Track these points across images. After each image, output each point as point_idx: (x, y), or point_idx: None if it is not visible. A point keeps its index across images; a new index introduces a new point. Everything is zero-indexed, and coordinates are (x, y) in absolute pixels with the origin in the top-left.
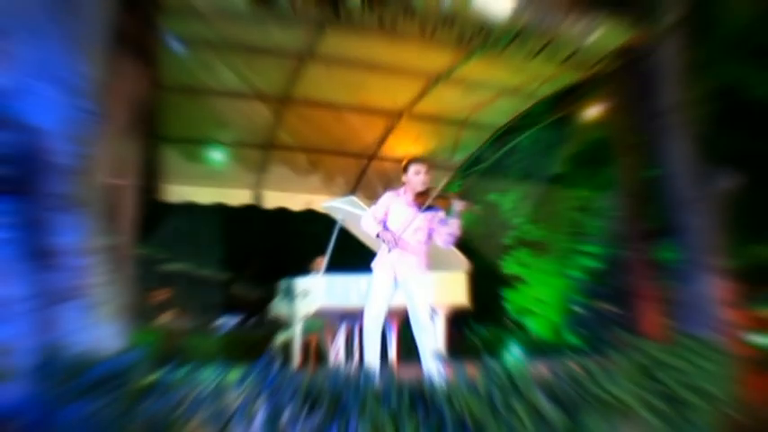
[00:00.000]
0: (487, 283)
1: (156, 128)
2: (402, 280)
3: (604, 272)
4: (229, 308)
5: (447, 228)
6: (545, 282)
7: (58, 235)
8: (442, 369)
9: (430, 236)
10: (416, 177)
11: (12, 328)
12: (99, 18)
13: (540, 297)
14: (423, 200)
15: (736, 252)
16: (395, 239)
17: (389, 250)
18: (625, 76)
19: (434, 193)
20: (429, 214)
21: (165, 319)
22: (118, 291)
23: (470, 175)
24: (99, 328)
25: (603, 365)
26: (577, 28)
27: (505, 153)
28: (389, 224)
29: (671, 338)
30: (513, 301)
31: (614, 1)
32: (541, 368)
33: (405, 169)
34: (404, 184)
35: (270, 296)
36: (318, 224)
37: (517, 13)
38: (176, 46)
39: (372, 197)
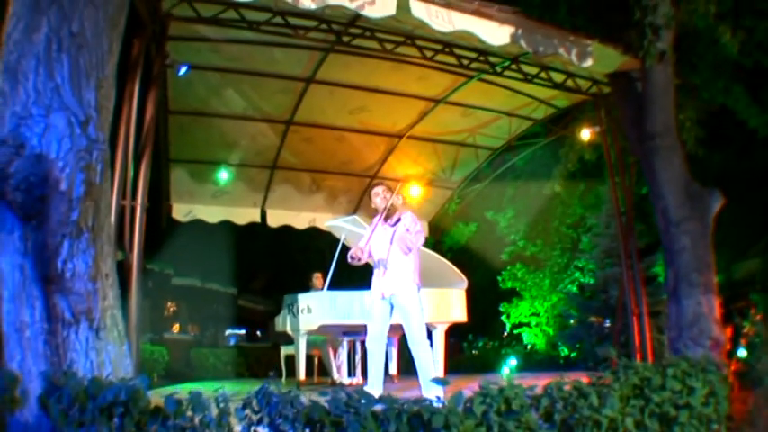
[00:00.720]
0: (486, 296)
1: (166, 150)
2: (391, 295)
3: (597, 287)
4: (237, 320)
5: (406, 224)
6: (540, 296)
7: (67, 260)
8: (439, 384)
9: (407, 246)
10: (377, 198)
11: (24, 351)
12: (107, 47)
13: (535, 310)
14: (388, 215)
15: (719, 268)
16: (362, 252)
17: (375, 262)
18: (617, 100)
19: (388, 205)
20: (398, 227)
21: (175, 329)
22: (125, 312)
23: (469, 193)
24: (108, 351)
25: (597, 386)
26: (571, 55)
27: (502, 172)
28: (373, 247)
29: (662, 356)
30: (509, 314)
31: (606, 30)
32: (538, 388)
33: (370, 197)
34: (375, 210)
35: (275, 309)
36: (322, 241)
37: (514, 41)
38: (184, 72)
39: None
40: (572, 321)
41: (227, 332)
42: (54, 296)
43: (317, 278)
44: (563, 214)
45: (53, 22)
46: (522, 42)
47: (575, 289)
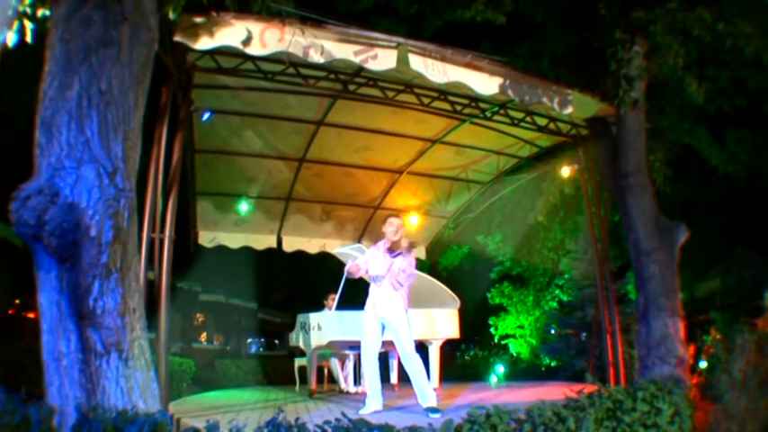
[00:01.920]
0: (476, 310)
1: (193, 184)
2: (382, 316)
3: (575, 305)
4: (257, 331)
5: (403, 264)
6: (524, 311)
7: (98, 298)
8: (432, 392)
9: (399, 282)
10: (390, 228)
11: (62, 378)
12: (134, 103)
13: (520, 323)
14: (393, 248)
15: (683, 286)
16: (359, 270)
17: (371, 282)
18: (594, 141)
19: (398, 238)
20: (399, 259)
21: (203, 338)
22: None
23: (463, 221)
24: (136, 377)
25: (574, 410)
26: (554, 103)
27: (492, 202)
28: (371, 269)
29: (633, 369)
30: (497, 326)
31: (585, 78)
32: (521, 413)
33: (384, 221)
34: (383, 235)
35: (291, 321)
36: (332, 261)
37: (502, 91)
38: (207, 117)
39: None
40: (553, 333)
41: (249, 340)
42: (87, 330)
43: (331, 299)
44: (545, 238)
45: (84, 81)
46: (510, 92)
47: (555, 305)
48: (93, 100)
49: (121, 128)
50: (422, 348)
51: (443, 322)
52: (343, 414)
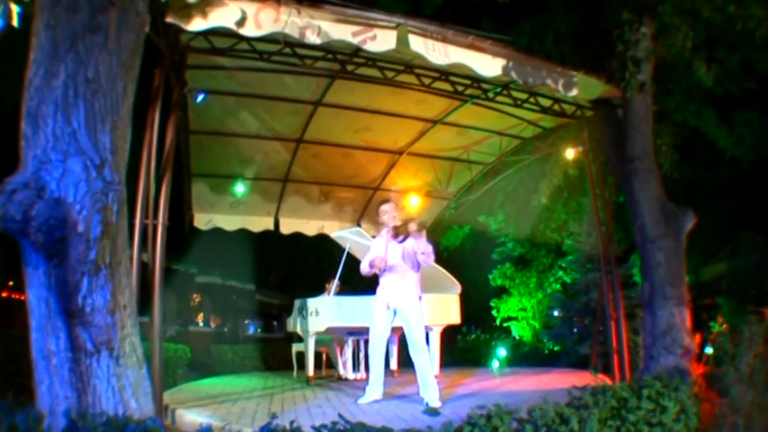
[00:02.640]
0: (478, 292)
1: (188, 165)
2: (395, 307)
3: (579, 289)
4: (255, 312)
5: (420, 248)
6: (527, 293)
7: (87, 296)
8: (436, 384)
9: (416, 263)
10: (385, 216)
11: (51, 377)
12: (122, 90)
13: (522, 306)
14: (397, 233)
15: (689, 269)
16: (382, 261)
17: (381, 273)
18: (599, 124)
19: (397, 224)
20: (408, 243)
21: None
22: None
23: (464, 202)
24: (127, 375)
25: (577, 409)
26: (558, 85)
27: (494, 183)
28: (389, 260)
29: (637, 356)
30: (499, 309)
31: (590, 59)
32: (522, 412)
33: (377, 213)
34: (383, 225)
35: (289, 302)
36: (331, 242)
37: (505, 72)
38: (201, 99)
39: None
40: (556, 314)
41: (246, 322)
42: (76, 328)
43: (332, 282)
44: (548, 219)
45: (70, 69)
46: (513, 74)
47: (558, 287)
48: (79, 89)
49: (109, 117)
50: None
51: (444, 308)
52: (341, 416)
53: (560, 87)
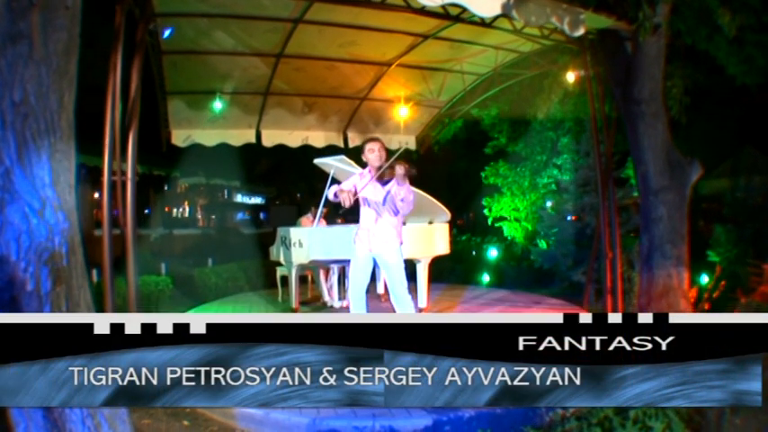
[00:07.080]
0: (468, 187)
1: (162, 84)
2: (376, 253)
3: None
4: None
5: (400, 194)
6: (520, 193)
7: None
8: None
9: (395, 208)
10: (372, 155)
11: (25, 423)
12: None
13: (515, 206)
14: (382, 175)
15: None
16: (350, 194)
17: (361, 210)
18: (605, 57)
19: (386, 165)
20: (394, 187)
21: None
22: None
23: (456, 113)
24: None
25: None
26: (564, 24)
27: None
28: (363, 200)
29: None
30: (491, 208)
31: None
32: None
33: (362, 149)
34: (366, 163)
35: (276, 195)
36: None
37: (505, 11)
38: (168, 34)
39: (364, 132)
40: (549, 206)
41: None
42: None
43: (307, 218)
44: (544, 118)
45: None
46: (514, 13)
47: (552, 185)
48: (6, 118)
49: (46, 143)
50: (409, 266)
51: (432, 239)
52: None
53: (566, 26)
